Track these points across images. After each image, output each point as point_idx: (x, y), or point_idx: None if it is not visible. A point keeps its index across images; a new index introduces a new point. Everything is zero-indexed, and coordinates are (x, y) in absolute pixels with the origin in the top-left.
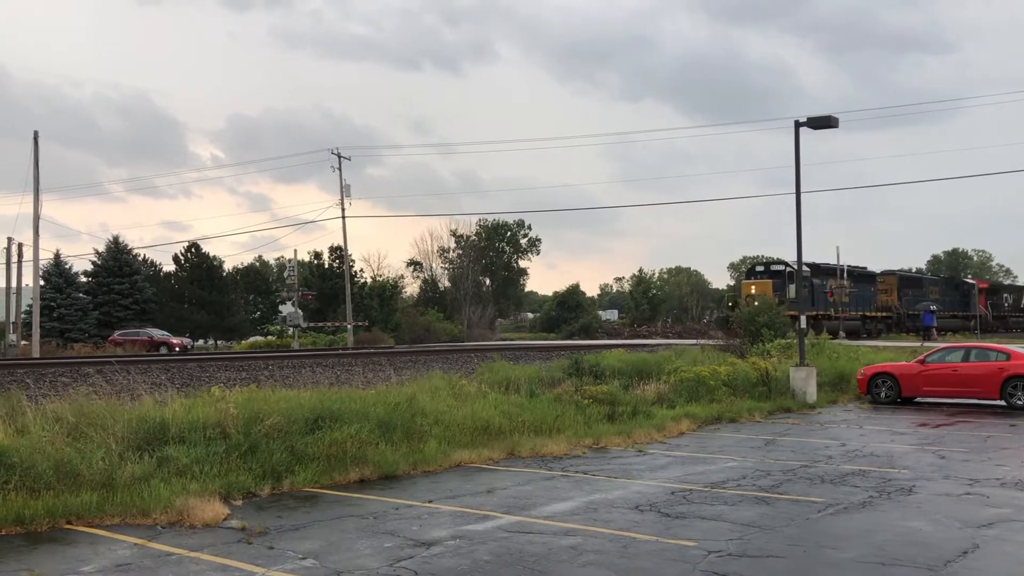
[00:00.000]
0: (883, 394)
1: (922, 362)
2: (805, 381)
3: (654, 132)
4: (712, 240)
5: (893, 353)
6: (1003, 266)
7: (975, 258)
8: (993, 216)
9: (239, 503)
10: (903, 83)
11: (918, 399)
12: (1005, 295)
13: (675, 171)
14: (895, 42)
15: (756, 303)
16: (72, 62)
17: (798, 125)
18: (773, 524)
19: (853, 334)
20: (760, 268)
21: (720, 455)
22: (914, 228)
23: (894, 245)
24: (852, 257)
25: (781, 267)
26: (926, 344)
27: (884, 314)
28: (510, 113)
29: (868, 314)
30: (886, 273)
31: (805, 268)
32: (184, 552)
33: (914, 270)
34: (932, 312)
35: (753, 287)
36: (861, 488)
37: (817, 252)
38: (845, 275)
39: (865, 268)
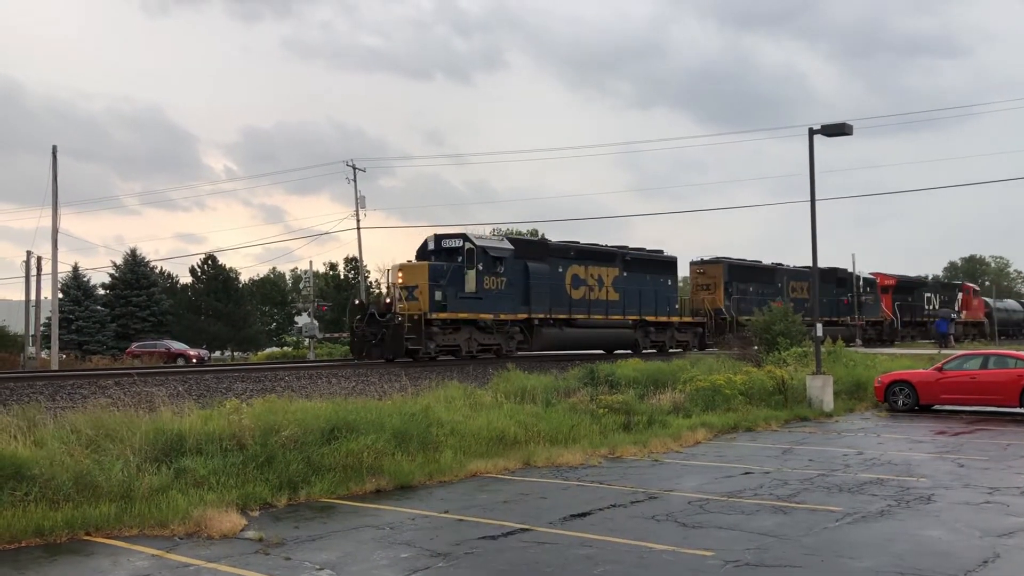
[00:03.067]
0: (900, 402)
1: (940, 369)
2: (822, 389)
3: (666, 140)
4: (728, 248)
5: (910, 361)
6: (1021, 272)
7: (993, 264)
8: (1011, 222)
9: (256, 514)
10: (916, 88)
11: (936, 407)
12: (928, 295)
13: (687, 179)
14: (908, 47)
15: (389, 296)
16: (84, 74)
17: (812, 133)
18: (791, 533)
19: (626, 350)
20: (432, 246)
21: (737, 464)
22: (933, 235)
23: (912, 252)
24: (867, 264)
25: (458, 243)
26: (943, 351)
27: (688, 319)
28: (522, 123)
29: (652, 319)
30: (706, 261)
31: (508, 246)
32: (202, 563)
33: (930, 277)
34: (950, 320)
35: (401, 274)
36: (879, 497)
37: (834, 260)
38: (582, 256)
39: (661, 252)
